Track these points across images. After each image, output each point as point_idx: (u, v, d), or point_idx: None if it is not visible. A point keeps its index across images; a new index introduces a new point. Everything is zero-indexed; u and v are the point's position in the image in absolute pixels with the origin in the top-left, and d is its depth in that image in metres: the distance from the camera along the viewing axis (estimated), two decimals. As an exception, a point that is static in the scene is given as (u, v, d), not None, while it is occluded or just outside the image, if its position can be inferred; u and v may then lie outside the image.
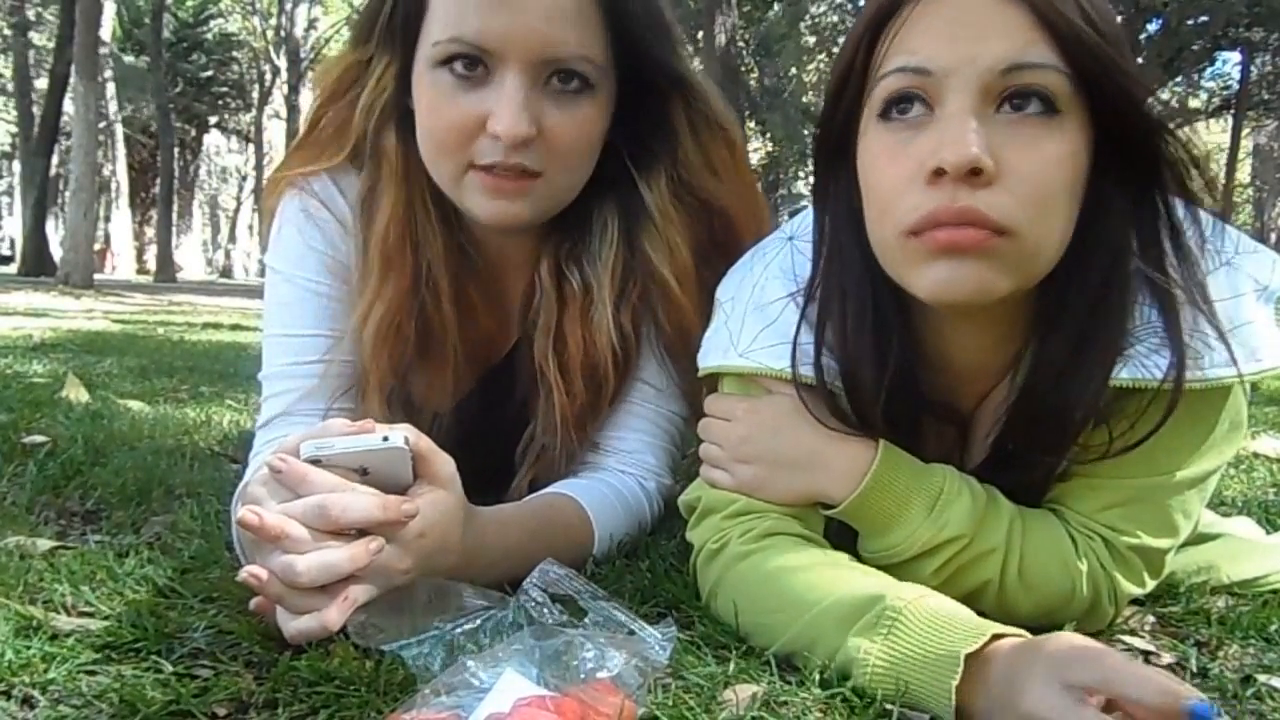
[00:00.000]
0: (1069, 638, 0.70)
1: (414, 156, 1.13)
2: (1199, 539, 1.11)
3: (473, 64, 1.03)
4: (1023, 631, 0.75)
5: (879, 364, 0.89)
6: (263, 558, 0.81)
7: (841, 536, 0.97)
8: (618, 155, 1.15)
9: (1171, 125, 0.81)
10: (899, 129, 0.82)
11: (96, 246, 17.93)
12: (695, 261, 1.17)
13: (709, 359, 1.00)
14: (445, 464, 0.88)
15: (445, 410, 1.23)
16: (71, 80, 14.63)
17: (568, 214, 1.16)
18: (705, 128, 1.18)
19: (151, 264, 25.39)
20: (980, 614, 0.78)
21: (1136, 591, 0.97)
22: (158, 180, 25.28)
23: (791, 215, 1.04)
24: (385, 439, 0.83)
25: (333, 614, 0.80)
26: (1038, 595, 0.92)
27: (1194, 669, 0.87)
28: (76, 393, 2.41)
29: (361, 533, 0.81)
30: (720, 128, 1.19)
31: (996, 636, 0.73)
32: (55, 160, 19.96)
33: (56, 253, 16.10)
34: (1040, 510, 0.96)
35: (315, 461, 0.82)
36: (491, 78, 1.03)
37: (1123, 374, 0.84)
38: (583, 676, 0.72)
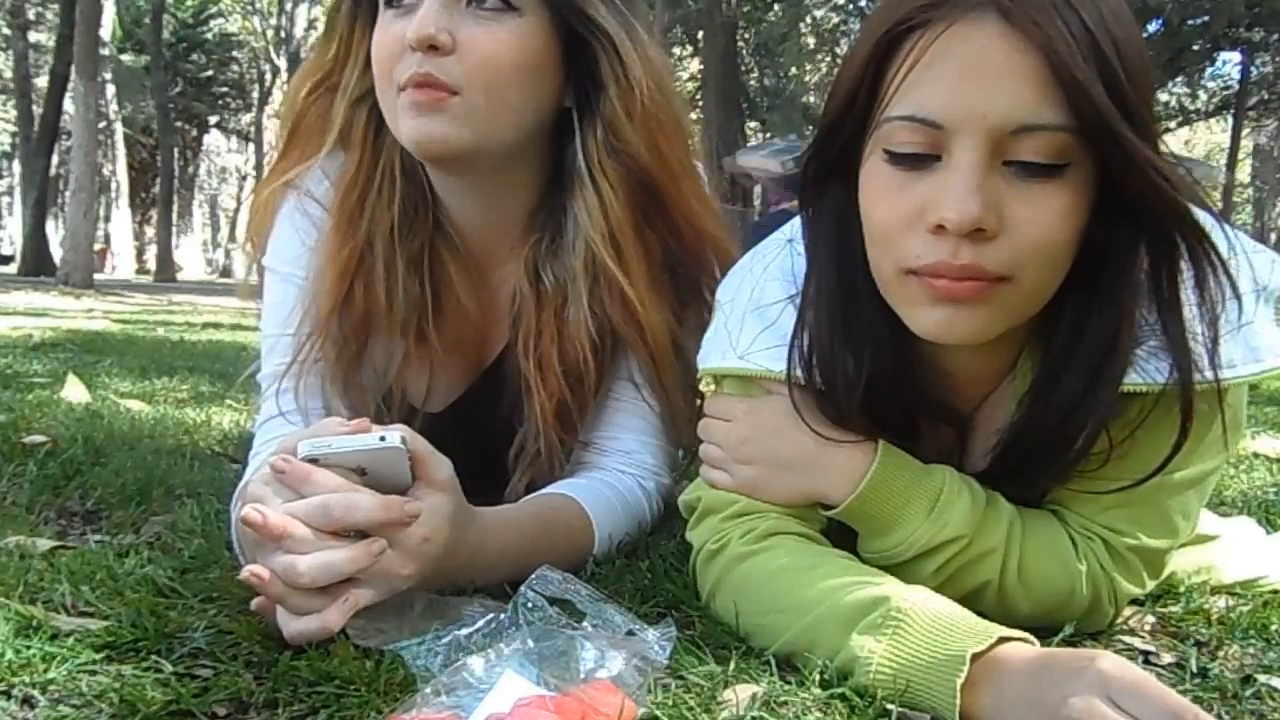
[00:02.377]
0: (1121, 661, 0.69)
1: (387, 133, 1.15)
2: (1198, 539, 1.11)
3: None
4: (1028, 635, 0.75)
5: (856, 370, 0.89)
6: (264, 557, 0.81)
7: (842, 536, 0.97)
8: (570, 128, 1.16)
9: (1171, 162, 0.79)
10: (904, 168, 0.80)
11: (96, 246, 17.93)
12: (634, 220, 1.17)
13: (708, 361, 1.01)
14: (442, 466, 0.87)
15: (438, 410, 1.23)
16: (71, 80, 14.65)
17: (544, 212, 1.18)
18: (629, 78, 1.16)
19: (151, 264, 25.39)
20: (979, 615, 0.78)
21: (1136, 592, 0.97)
22: (158, 180, 25.29)
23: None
24: (382, 438, 0.83)
25: (333, 616, 0.80)
26: (1037, 596, 0.92)
27: (1194, 669, 0.87)
28: (76, 392, 2.40)
29: (363, 536, 0.81)
30: (631, 81, 1.16)
31: (1003, 640, 0.73)
32: (55, 160, 19.97)
33: (56, 253, 16.11)
34: (1040, 511, 0.96)
35: (313, 461, 0.82)
36: (419, 4, 1.06)
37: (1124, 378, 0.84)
38: (583, 676, 0.72)
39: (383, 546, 0.81)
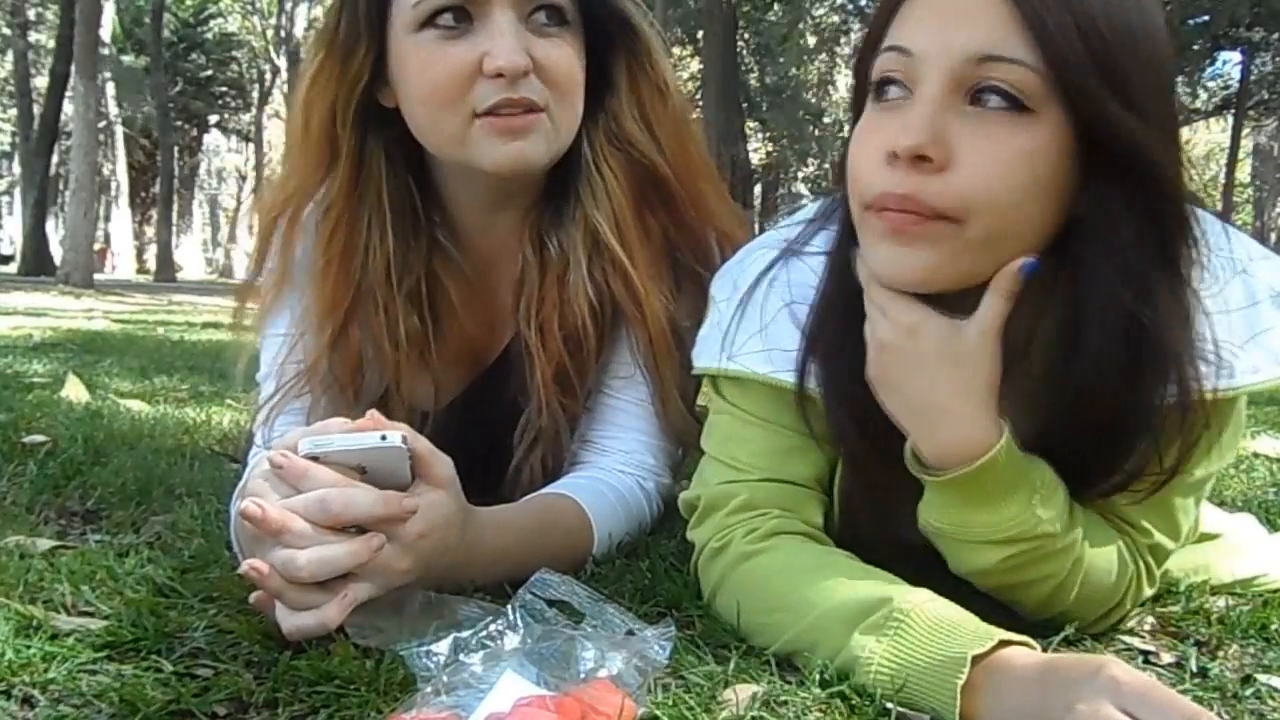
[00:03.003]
0: (1128, 667, 0.69)
1: (374, 157, 1.15)
2: (1200, 537, 1.11)
3: (459, 15, 1.06)
4: (1030, 639, 0.75)
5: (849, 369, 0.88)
6: (263, 553, 0.81)
7: (841, 536, 0.97)
8: None
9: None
10: (884, 108, 0.82)
11: (96, 246, 17.94)
12: (635, 206, 1.18)
13: (701, 360, 1.01)
14: (443, 465, 0.87)
15: (437, 410, 1.23)
16: (71, 80, 14.66)
17: (548, 187, 1.18)
18: (644, 80, 1.18)
19: (151, 263, 25.42)
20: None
21: (1149, 592, 0.96)
22: (158, 180, 25.30)
23: (790, 214, 1.04)
24: (383, 438, 0.83)
25: (332, 611, 0.80)
26: (1088, 594, 0.90)
27: (1194, 669, 0.87)
28: (76, 392, 2.40)
29: (361, 531, 0.81)
30: (659, 84, 1.19)
31: (1005, 644, 0.73)
32: (55, 160, 19.98)
33: (56, 252, 16.12)
34: (1091, 506, 0.92)
35: (313, 458, 0.82)
36: (477, 24, 1.06)
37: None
38: (583, 676, 0.73)
39: (382, 541, 0.81)
